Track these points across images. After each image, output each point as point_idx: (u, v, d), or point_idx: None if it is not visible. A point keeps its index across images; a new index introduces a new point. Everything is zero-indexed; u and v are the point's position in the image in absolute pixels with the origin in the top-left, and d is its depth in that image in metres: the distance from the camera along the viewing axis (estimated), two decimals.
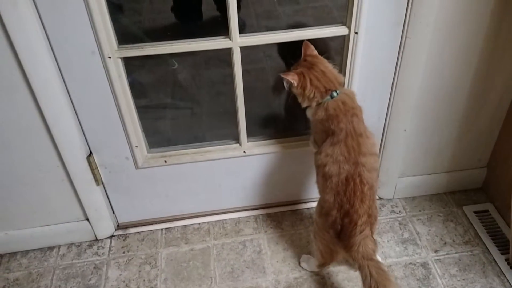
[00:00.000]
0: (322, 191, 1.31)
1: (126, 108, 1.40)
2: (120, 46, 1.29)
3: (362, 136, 1.26)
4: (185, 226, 1.72)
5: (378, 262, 1.25)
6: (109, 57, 1.28)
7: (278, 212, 1.75)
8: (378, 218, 1.68)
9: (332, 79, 1.27)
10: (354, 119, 1.25)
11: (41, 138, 1.37)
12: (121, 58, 1.30)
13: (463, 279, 1.49)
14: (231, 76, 1.42)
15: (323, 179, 1.28)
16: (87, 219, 1.62)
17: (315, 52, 1.30)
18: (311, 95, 1.27)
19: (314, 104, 1.29)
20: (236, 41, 1.31)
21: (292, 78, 1.25)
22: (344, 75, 1.43)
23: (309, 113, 1.33)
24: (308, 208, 1.76)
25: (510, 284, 1.47)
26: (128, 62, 1.35)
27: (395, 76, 1.43)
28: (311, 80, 1.26)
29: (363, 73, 1.41)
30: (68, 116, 1.35)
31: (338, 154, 1.24)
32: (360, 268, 1.23)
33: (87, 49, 1.25)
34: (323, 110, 1.27)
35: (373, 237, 1.27)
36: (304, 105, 1.31)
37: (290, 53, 1.41)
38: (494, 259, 1.54)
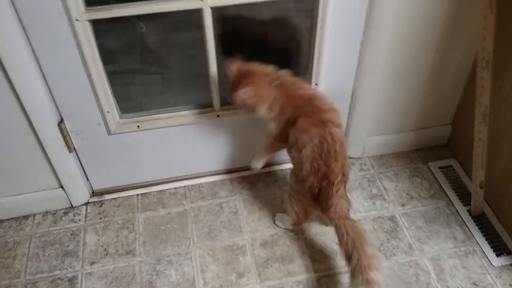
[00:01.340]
0: (298, 163, 1.33)
1: (96, 73, 1.38)
2: (88, 8, 1.25)
3: (315, 98, 1.32)
4: (161, 191, 1.74)
5: (353, 221, 1.30)
6: (77, 20, 1.25)
7: (252, 175, 1.78)
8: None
9: (267, 73, 1.33)
10: (299, 91, 1.33)
11: (10, 105, 1.34)
12: (89, 20, 1.27)
13: (428, 230, 1.58)
14: (201, 39, 1.42)
15: (298, 152, 1.30)
16: (62, 187, 1.61)
17: (240, 63, 1.34)
18: (266, 97, 1.32)
19: (267, 105, 1.33)
20: (207, 1, 1.30)
21: (246, 91, 1.28)
22: (315, 35, 1.45)
23: (264, 113, 1.35)
24: (281, 170, 1.80)
25: (471, 232, 1.57)
26: (96, 27, 1.32)
27: (364, 35, 1.46)
28: (259, 86, 1.30)
29: (333, 33, 1.43)
30: (37, 82, 1.33)
31: (303, 123, 1.28)
32: (337, 227, 1.29)
33: (54, 12, 1.21)
34: (276, 104, 1.32)
35: (346, 196, 1.33)
36: (261, 111, 1.34)
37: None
38: (457, 211, 1.64)
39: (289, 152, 1.38)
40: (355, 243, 1.25)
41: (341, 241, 1.28)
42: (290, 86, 1.34)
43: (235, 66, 1.33)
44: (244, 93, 1.28)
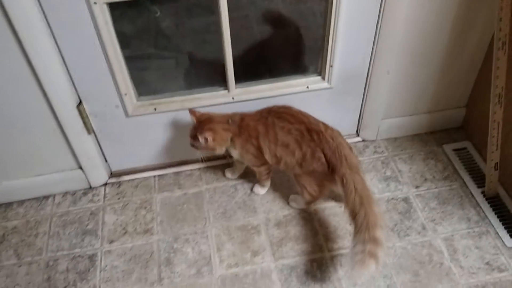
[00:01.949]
0: (290, 155, 1.45)
1: (114, 56, 1.41)
2: None
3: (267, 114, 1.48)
4: (177, 172, 1.77)
5: (362, 178, 1.34)
6: (95, 3, 1.27)
7: None
8: (360, 158, 1.78)
9: (222, 116, 1.50)
10: (254, 113, 1.50)
11: (31, 88, 1.37)
12: (106, 3, 1.30)
13: (442, 212, 1.59)
14: (214, 24, 1.43)
15: (291, 154, 1.43)
16: (81, 168, 1.66)
17: (200, 113, 1.50)
18: (227, 137, 1.47)
19: (229, 142, 1.49)
20: None
21: (207, 135, 1.42)
22: (330, 18, 1.45)
23: (234, 151, 1.52)
24: None
25: (485, 214, 1.57)
26: (112, 12, 1.34)
27: (379, 17, 1.46)
28: (219, 129, 1.45)
29: (348, 16, 1.43)
30: (57, 65, 1.36)
31: (281, 128, 1.43)
32: (346, 184, 1.32)
33: None
34: (241, 136, 1.47)
35: (353, 153, 1.41)
36: (223, 150, 1.50)
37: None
38: (471, 192, 1.64)
39: (284, 158, 1.47)
40: (363, 200, 1.28)
41: (348, 198, 1.31)
42: (244, 118, 1.49)
43: (195, 114, 1.48)
44: (207, 135, 1.43)
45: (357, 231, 1.26)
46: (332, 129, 1.43)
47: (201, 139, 1.43)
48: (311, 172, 1.42)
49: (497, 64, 1.41)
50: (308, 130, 1.40)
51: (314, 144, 1.38)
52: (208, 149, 1.46)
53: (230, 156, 1.58)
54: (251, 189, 1.68)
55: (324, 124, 1.43)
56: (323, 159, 1.38)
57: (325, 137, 1.38)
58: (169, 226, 1.59)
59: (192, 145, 1.49)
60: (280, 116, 1.45)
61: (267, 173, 1.60)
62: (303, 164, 1.42)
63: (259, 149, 1.48)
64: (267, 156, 1.48)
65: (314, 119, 1.44)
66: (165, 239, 1.55)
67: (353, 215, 1.29)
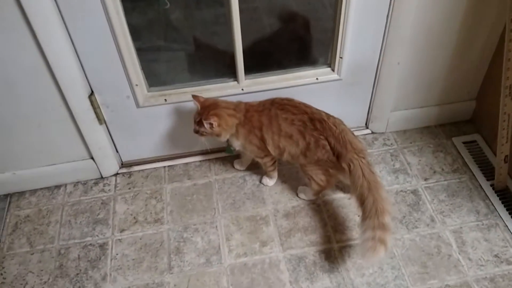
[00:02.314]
0: (294, 145, 1.46)
1: (125, 46, 1.42)
2: None
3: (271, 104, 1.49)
4: (187, 163, 1.78)
5: (369, 163, 1.36)
6: None
7: None
8: (369, 151, 1.79)
9: (227, 102, 1.49)
10: (257, 104, 1.50)
11: (44, 78, 1.39)
12: None
13: (451, 204, 1.59)
14: (224, 15, 1.44)
15: (294, 144, 1.44)
16: (92, 158, 1.68)
17: (204, 98, 1.49)
18: (232, 123, 1.46)
19: (234, 128, 1.48)
20: None
21: (212, 120, 1.41)
22: (340, 10, 1.45)
23: (236, 142, 1.52)
24: None
25: (494, 206, 1.57)
26: (123, 3, 1.35)
27: (390, 8, 1.45)
28: (224, 114, 1.45)
29: (359, 6, 1.43)
30: (69, 55, 1.37)
31: (285, 119, 1.44)
32: (353, 169, 1.34)
33: None
34: (244, 126, 1.48)
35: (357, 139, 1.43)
36: (228, 136, 1.50)
37: None
38: (480, 185, 1.64)
39: (285, 149, 1.49)
40: (371, 185, 1.29)
41: (356, 183, 1.33)
42: (248, 109, 1.49)
43: (199, 99, 1.47)
44: (212, 120, 1.41)
45: (365, 217, 1.28)
46: (334, 117, 1.44)
47: (206, 124, 1.42)
48: (316, 161, 1.43)
49: (508, 56, 1.41)
50: (311, 120, 1.41)
51: (317, 133, 1.39)
52: (212, 135, 1.46)
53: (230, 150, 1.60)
54: (260, 181, 1.69)
55: (326, 113, 1.44)
56: (328, 147, 1.39)
57: (328, 125, 1.39)
58: (179, 216, 1.60)
59: (196, 131, 1.48)
60: (283, 107, 1.45)
61: (271, 164, 1.60)
62: (308, 154, 1.43)
63: (263, 140, 1.49)
64: (270, 148, 1.49)
65: (317, 109, 1.45)
66: (175, 229, 1.57)
67: (361, 201, 1.30)
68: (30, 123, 1.51)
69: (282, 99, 1.48)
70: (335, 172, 1.44)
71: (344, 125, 1.44)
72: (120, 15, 1.35)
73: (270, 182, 1.68)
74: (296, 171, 1.72)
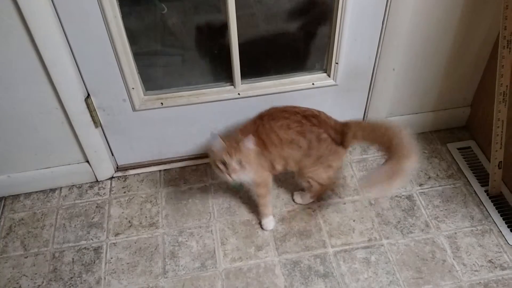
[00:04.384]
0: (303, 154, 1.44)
1: (122, 50, 1.42)
2: None
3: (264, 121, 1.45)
4: (183, 167, 1.78)
5: (375, 122, 1.44)
6: None
7: None
8: (365, 156, 1.80)
9: (230, 138, 1.37)
10: (249, 125, 1.46)
11: (40, 80, 1.39)
12: None
13: (445, 209, 1.60)
14: (221, 21, 1.45)
15: (297, 148, 1.42)
16: (87, 161, 1.67)
17: (221, 137, 1.33)
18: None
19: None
20: None
21: (250, 139, 1.32)
22: (336, 15, 1.46)
23: (249, 172, 1.37)
24: None
25: (488, 212, 1.58)
26: (121, 8, 1.35)
27: (385, 14, 1.47)
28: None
29: (354, 12, 1.45)
30: (66, 58, 1.37)
31: (280, 127, 1.41)
32: (364, 138, 1.40)
33: None
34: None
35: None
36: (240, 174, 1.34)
37: None
38: (474, 191, 1.65)
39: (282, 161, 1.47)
40: (389, 132, 1.33)
41: (377, 141, 1.38)
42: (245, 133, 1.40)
43: (220, 138, 1.32)
44: (251, 140, 1.32)
45: (387, 159, 1.32)
46: (323, 112, 1.44)
47: (235, 159, 1.30)
48: (318, 159, 1.42)
49: (502, 62, 1.42)
50: (305, 117, 1.41)
51: (316, 128, 1.40)
52: (241, 172, 1.33)
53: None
54: (260, 225, 1.58)
55: (314, 109, 1.44)
56: (329, 139, 1.39)
57: (322, 118, 1.41)
58: (174, 220, 1.60)
59: (221, 171, 1.33)
60: (273, 117, 1.43)
61: (267, 192, 1.51)
62: (311, 153, 1.41)
63: (271, 160, 1.44)
64: (277, 162, 1.45)
65: (304, 107, 1.45)
66: (170, 233, 1.56)
67: (386, 149, 1.34)
68: (25, 125, 1.51)
69: (268, 110, 1.46)
70: (337, 163, 1.45)
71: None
72: (117, 19, 1.35)
73: (271, 222, 1.57)
74: (291, 175, 1.72)
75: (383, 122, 1.37)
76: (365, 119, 1.76)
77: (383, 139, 1.33)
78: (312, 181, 1.49)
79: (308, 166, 1.46)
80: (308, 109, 1.44)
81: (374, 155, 1.79)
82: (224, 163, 1.31)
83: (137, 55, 1.51)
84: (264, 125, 1.42)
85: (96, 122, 1.57)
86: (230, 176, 1.32)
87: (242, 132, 1.42)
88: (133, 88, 1.53)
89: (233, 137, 1.36)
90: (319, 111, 1.44)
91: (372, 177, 1.37)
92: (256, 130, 1.42)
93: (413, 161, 1.27)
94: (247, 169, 1.34)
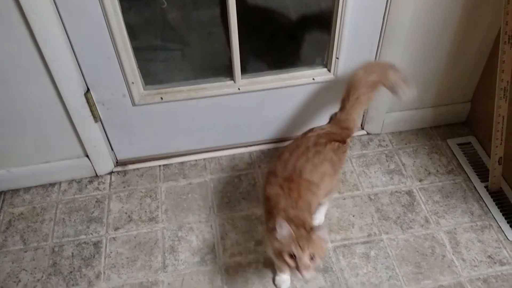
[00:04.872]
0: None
1: (122, 44, 1.41)
2: None
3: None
4: (182, 162, 1.78)
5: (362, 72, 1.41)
6: None
7: (271, 149, 1.82)
8: (365, 151, 1.79)
9: (276, 204, 1.22)
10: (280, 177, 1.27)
11: (40, 74, 1.39)
12: None
13: (445, 205, 1.60)
14: (220, 16, 1.44)
15: (328, 171, 1.30)
16: (87, 156, 1.67)
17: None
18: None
19: None
20: None
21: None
22: (337, 10, 1.46)
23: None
24: None
25: (488, 208, 1.58)
26: (120, 2, 1.35)
27: (386, 10, 1.46)
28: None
29: (355, 7, 1.44)
30: (66, 52, 1.37)
31: (307, 160, 1.28)
32: (362, 96, 1.38)
33: None
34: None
35: None
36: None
37: None
38: (474, 187, 1.65)
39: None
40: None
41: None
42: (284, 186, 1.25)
43: (287, 225, 1.08)
44: (325, 233, 1.10)
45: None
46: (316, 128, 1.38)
47: (308, 253, 1.07)
48: (337, 171, 1.35)
49: (503, 58, 1.42)
50: (319, 136, 1.32)
51: (328, 143, 1.31)
52: (314, 268, 1.10)
53: None
54: (272, 280, 1.43)
55: (309, 130, 1.37)
56: (342, 145, 1.34)
57: (329, 131, 1.35)
58: (173, 215, 1.60)
59: (289, 266, 1.11)
60: (294, 153, 1.29)
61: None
62: (337, 167, 1.33)
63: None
64: (322, 191, 1.31)
65: (308, 129, 1.37)
66: (170, 227, 1.56)
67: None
68: (25, 120, 1.50)
69: (283, 153, 1.31)
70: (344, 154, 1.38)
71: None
72: (117, 13, 1.34)
73: (287, 282, 1.40)
74: None
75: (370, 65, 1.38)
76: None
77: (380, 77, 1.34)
78: (331, 193, 1.45)
79: (335, 182, 1.40)
80: (312, 129, 1.35)
81: (374, 150, 1.79)
82: (293, 257, 1.08)
83: (136, 50, 1.50)
84: (294, 168, 1.25)
85: (96, 117, 1.57)
86: (301, 273, 1.07)
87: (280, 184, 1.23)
88: (132, 83, 1.52)
89: (301, 222, 1.13)
90: (321, 127, 1.36)
91: None
92: (289, 176, 1.24)
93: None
94: (319, 263, 1.12)
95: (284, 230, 1.07)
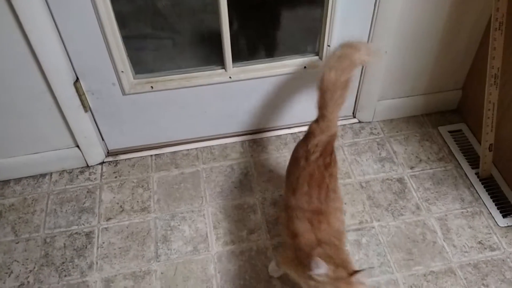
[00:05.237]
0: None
1: (110, 32, 1.40)
2: None
3: None
4: (174, 152, 1.77)
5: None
6: None
7: (264, 138, 1.81)
8: (356, 140, 1.79)
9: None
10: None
11: (28, 63, 1.37)
12: None
13: (436, 192, 1.61)
14: (212, 4, 1.42)
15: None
16: (77, 146, 1.66)
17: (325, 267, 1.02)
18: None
19: None
20: None
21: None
22: None
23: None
24: (292, 134, 1.83)
25: (478, 194, 1.59)
26: None
27: None
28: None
29: None
30: (54, 41, 1.35)
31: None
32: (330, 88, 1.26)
33: None
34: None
35: None
36: None
37: None
38: (465, 173, 1.66)
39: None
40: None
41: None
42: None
43: (325, 265, 1.00)
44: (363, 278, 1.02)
45: None
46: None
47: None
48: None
49: (494, 44, 1.42)
50: (323, 157, 1.23)
51: (333, 160, 1.25)
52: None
53: None
54: (267, 267, 1.43)
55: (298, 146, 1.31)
56: (328, 155, 1.25)
57: (318, 147, 1.24)
58: (166, 205, 1.60)
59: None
60: (312, 183, 1.20)
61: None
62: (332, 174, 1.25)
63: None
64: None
65: (305, 155, 1.25)
66: (162, 217, 1.56)
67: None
68: (13, 110, 1.48)
69: (300, 184, 1.21)
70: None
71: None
72: (106, 1, 1.32)
73: (279, 272, 1.39)
74: (284, 159, 1.72)
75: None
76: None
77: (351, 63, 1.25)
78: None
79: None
80: (308, 159, 1.22)
81: (365, 138, 1.79)
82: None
83: (126, 38, 1.49)
84: (321, 219, 1.15)
85: (86, 107, 1.55)
86: None
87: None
88: (122, 72, 1.50)
89: (340, 262, 1.05)
90: (307, 149, 1.24)
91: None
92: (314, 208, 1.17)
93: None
94: None
95: (321, 269, 0.98)
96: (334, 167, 1.25)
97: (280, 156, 1.74)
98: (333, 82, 1.23)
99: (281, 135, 1.83)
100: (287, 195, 1.23)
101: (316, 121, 1.27)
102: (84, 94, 1.53)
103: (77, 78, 1.49)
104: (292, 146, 1.74)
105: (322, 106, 1.25)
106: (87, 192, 1.65)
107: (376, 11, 1.49)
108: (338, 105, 1.26)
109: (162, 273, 1.42)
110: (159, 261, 1.45)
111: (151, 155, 1.76)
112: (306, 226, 1.13)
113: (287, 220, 1.19)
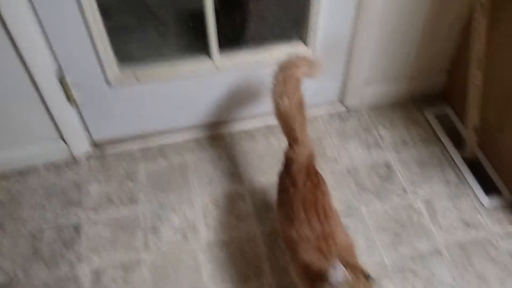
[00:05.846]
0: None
1: (94, 24, 1.38)
2: None
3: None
4: (161, 143, 1.77)
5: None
6: None
7: (251, 126, 1.81)
8: (343, 126, 1.80)
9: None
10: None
11: (11, 58, 1.35)
12: None
13: (422, 175, 1.63)
14: None
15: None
16: (63, 139, 1.64)
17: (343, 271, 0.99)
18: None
19: None
20: None
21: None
22: None
23: None
24: None
25: (464, 176, 1.62)
26: None
27: None
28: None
29: None
30: (37, 35, 1.34)
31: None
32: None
33: None
34: None
35: None
36: None
37: None
38: (451, 156, 1.68)
39: None
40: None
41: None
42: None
43: (344, 270, 0.98)
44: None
45: None
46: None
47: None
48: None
49: (478, 28, 1.43)
50: (310, 180, 1.22)
51: (320, 179, 1.25)
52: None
53: None
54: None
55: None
56: (314, 174, 1.24)
57: (303, 170, 1.23)
58: (154, 196, 1.59)
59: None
60: (308, 209, 1.17)
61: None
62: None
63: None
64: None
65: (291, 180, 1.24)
66: (151, 208, 1.56)
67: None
68: None
69: (297, 214, 1.18)
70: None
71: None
72: None
73: None
74: (272, 148, 1.73)
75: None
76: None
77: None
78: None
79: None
80: (296, 185, 1.21)
81: (352, 124, 1.80)
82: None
83: (110, 30, 1.47)
84: (330, 242, 1.12)
85: (71, 99, 1.54)
86: None
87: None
88: (107, 64, 1.49)
89: (355, 266, 1.05)
90: (289, 175, 1.23)
91: None
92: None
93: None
94: None
95: (339, 274, 0.96)
96: (323, 185, 1.24)
97: (269, 145, 1.74)
98: (290, 107, 1.23)
99: (269, 125, 1.83)
100: (285, 229, 1.19)
101: (290, 147, 1.26)
102: (68, 86, 1.51)
103: (61, 71, 1.47)
104: (281, 134, 1.75)
105: (290, 131, 1.26)
106: (74, 185, 1.64)
107: None
108: (304, 123, 1.27)
109: (152, 263, 1.42)
110: (149, 252, 1.45)
111: (139, 147, 1.75)
112: (316, 256, 1.10)
113: (294, 259, 1.15)
